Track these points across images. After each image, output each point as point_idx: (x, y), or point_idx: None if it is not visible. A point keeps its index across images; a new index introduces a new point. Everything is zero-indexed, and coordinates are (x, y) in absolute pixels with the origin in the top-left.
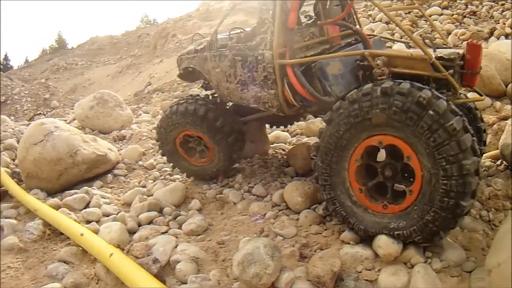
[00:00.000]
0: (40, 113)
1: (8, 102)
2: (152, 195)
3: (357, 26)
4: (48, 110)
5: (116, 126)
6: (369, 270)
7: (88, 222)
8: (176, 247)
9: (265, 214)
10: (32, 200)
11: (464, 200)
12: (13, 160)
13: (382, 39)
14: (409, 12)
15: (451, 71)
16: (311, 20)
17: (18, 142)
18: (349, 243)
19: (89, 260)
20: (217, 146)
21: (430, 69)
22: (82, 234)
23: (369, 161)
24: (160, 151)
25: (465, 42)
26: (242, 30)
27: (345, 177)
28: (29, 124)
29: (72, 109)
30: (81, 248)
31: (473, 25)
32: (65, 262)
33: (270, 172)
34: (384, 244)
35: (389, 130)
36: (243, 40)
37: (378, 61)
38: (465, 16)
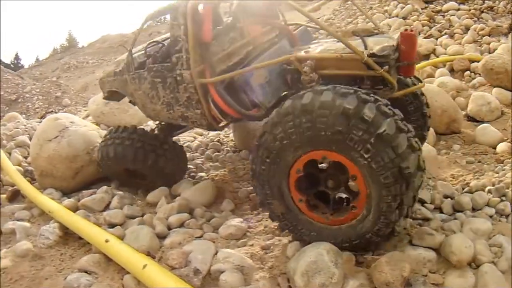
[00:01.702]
0: (51, 111)
1: (20, 100)
2: (178, 195)
3: (281, 19)
4: (60, 108)
5: (133, 122)
6: (434, 273)
7: (111, 225)
8: (216, 254)
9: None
10: (46, 201)
11: (407, 197)
12: (25, 157)
13: (309, 28)
14: (426, 8)
15: (386, 67)
16: (228, 20)
17: (30, 139)
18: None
19: (115, 269)
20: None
21: (363, 67)
22: (107, 241)
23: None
24: None
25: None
26: (158, 43)
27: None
28: (42, 121)
29: (84, 107)
30: (104, 256)
31: (491, 20)
32: (86, 272)
33: None
34: (458, 249)
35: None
36: (159, 59)
37: (305, 68)
38: (482, 11)
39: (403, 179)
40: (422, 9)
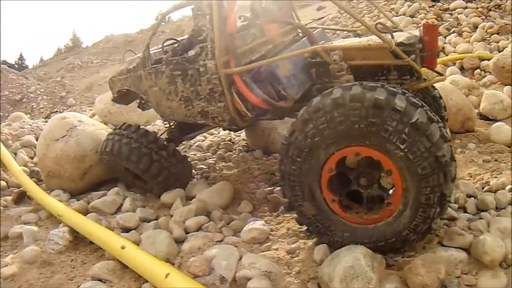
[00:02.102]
0: (56, 111)
1: (24, 100)
2: (193, 196)
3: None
4: (65, 108)
5: (141, 121)
6: (466, 274)
7: (124, 229)
8: (240, 259)
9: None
10: (55, 203)
11: (448, 188)
12: (32, 158)
13: (325, 30)
14: (433, 6)
15: (412, 56)
16: (246, 22)
17: (36, 139)
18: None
19: (131, 277)
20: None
21: (391, 56)
22: (123, 247)
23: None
24: None
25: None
26: (176, 41)
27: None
28: (47, 120)
29: (89, 106)
30: (119, 262)
31: (499, 18)
32: (101, 281)
33: None
34: (490, 249)
35: (355, 142)
36: (179, 52)
37: (334, 56)
38: (490, 10)
39: (440, 168)
40: (429, 7)
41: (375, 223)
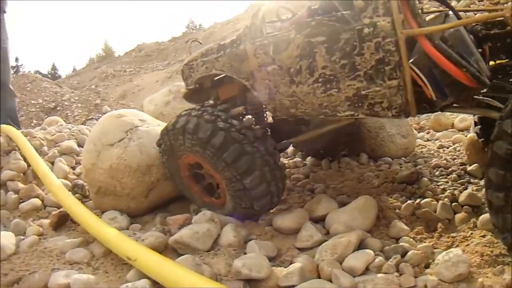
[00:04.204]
0: (92, 118)
1: (58, 108)
2: (319, 217)
3: None
4: (100, 115)
5: None
6: None
7: (249, 281)
8: None
9: None
10: (121, 240)
11: None
12: (73, 168)
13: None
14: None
15: None
16: None
17: (78, 144)
18: None
19: None
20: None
21: None
22: None
23: None
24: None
25: None
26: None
27: None
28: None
29: None
30: None
31: None
32: None
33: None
34: None
35: None
36: (320, 11)
37: None
38: None
39: None
40: (479, 1)
41: None
